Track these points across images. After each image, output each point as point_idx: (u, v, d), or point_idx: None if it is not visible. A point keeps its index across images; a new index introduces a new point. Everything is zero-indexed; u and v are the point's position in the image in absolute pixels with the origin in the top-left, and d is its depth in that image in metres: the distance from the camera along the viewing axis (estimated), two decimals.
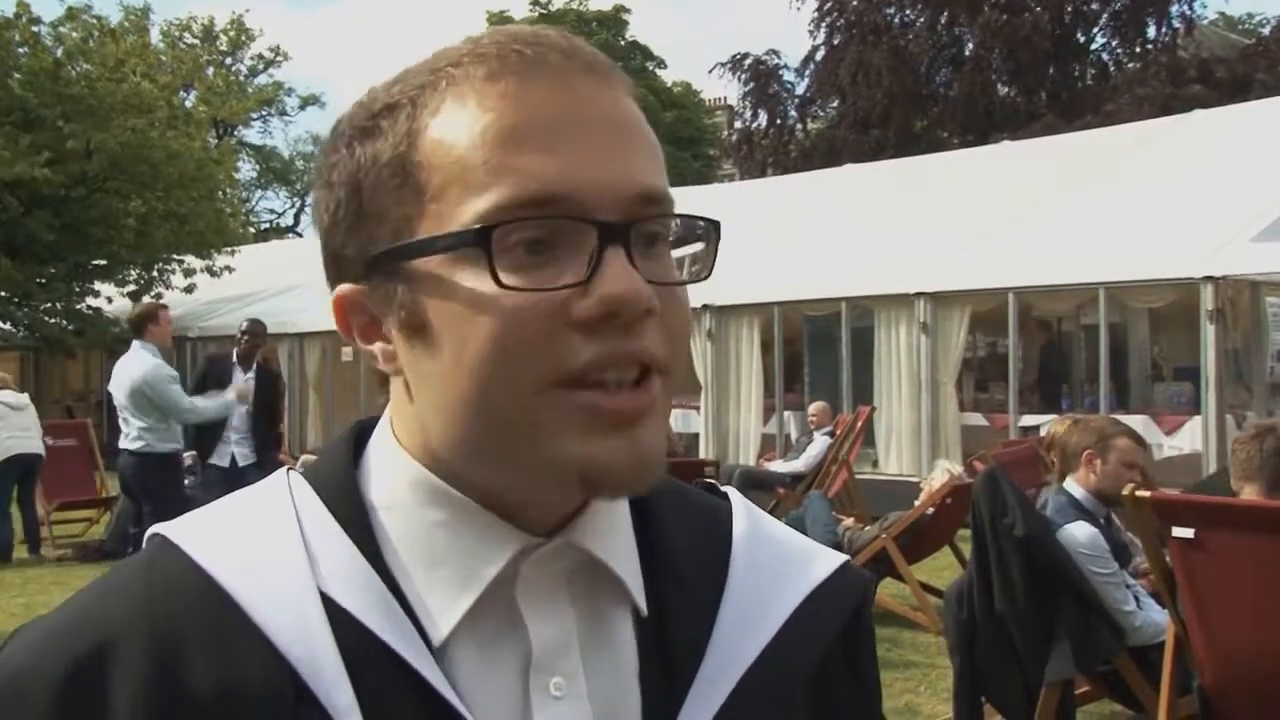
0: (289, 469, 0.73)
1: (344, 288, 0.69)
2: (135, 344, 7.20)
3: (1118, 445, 4.13)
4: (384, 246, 0.66)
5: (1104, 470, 4.13)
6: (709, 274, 0.70)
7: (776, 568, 0.77)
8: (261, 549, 0.67)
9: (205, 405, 7.23)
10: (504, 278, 0.62)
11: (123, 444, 7.19)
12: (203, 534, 0.68)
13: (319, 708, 0.62)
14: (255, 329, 7.85)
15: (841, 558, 0.80)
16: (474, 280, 0.63)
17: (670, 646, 0.71)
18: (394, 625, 0.65)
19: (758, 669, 0.71)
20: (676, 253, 0.69)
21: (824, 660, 0.75)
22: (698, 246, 0.71)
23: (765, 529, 0.80)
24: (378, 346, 0.69)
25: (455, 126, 0.64)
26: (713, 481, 0.85)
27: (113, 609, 0.65)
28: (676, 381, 0.67)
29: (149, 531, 0.70)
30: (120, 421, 7.21)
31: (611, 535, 0.71)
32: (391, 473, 0.70)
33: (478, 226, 0.62)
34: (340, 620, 0.64)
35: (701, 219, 0.69)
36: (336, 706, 0.62)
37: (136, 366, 7.09)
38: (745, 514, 0.80)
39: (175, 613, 0.64)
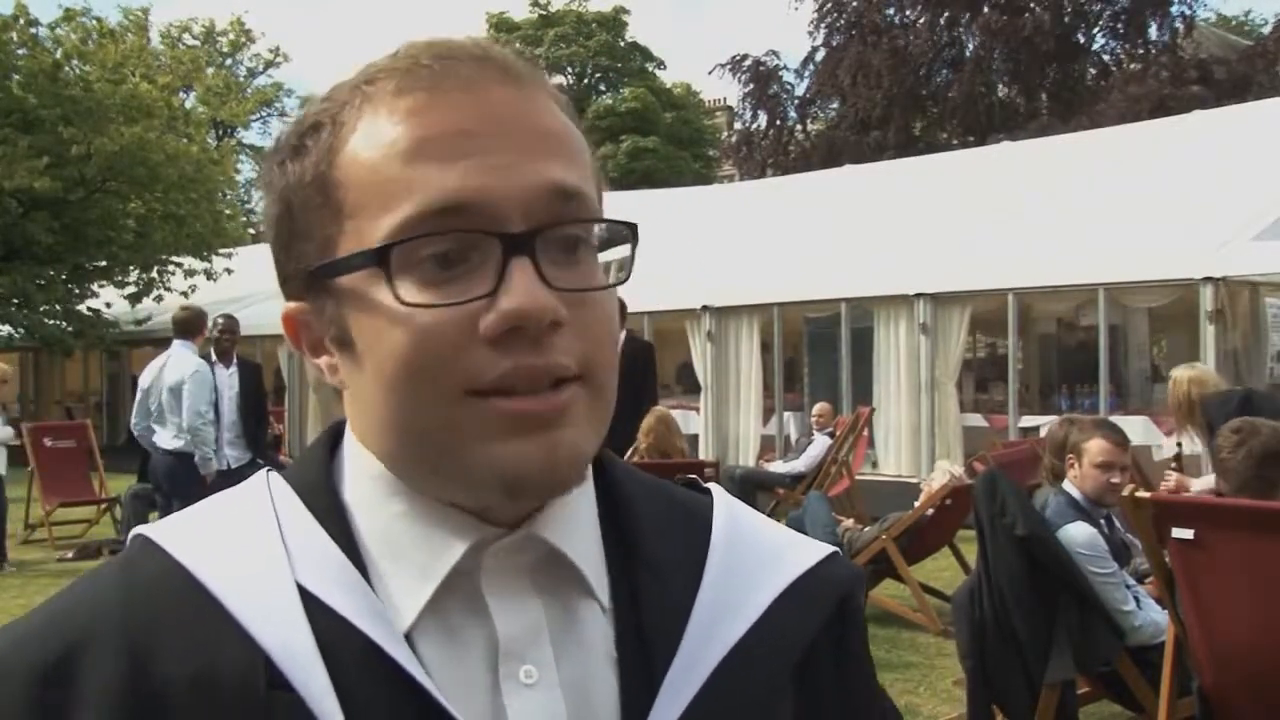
0: (268, 470, 0.75)
1: (290, 305, 0.71)
2: (180, 344, 7.19)
3: (1088, 448, 4.12)
4: (312, 265, 0.68)
5: (1081, 473, 4.13)
6: (628, 277, 0.71)
7: (757, 559, 0.77)
8: (240, 545, 0.69)
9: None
10: (407, 294, 0.63)
11: (159, 441, 7.11)
12: (183, 533, 0.70)
13: (295, 694, 0.63)
14: (231, 324, 7.81)
15: (828, 548, 0.80)
16: (385, 297, 0.64)
17: (645, 635, 0.71)
18: (367, 613, 0.66)
19: (735, 658, 0.72)
20: (603, 256, 0.70)
21: (810, 650, 0.75)
22: (623, 250, 0.71)
23: (747, 522, 0.80)
24: (323, 360, 0.70)
25: (367, 143, 0.65)
26: (694, 477, 0.85)
27: (89, 607, 0.67)
28: (604, 383, 0.67)
29: (132, 533, 0.72)
30: (152, 420, 7.14)
31: (574, 528, 0.72)
32: (357, 469, 0.71)
33: (378, 246, 0.63)
34: (316, 610, 0.66)
35: (620, 222, 0.70)
36: (312, 691, 0.63)
37: (186, 364, 7.11)
38: (726, 508, 0.80)
39: (151, 608, 0.65)
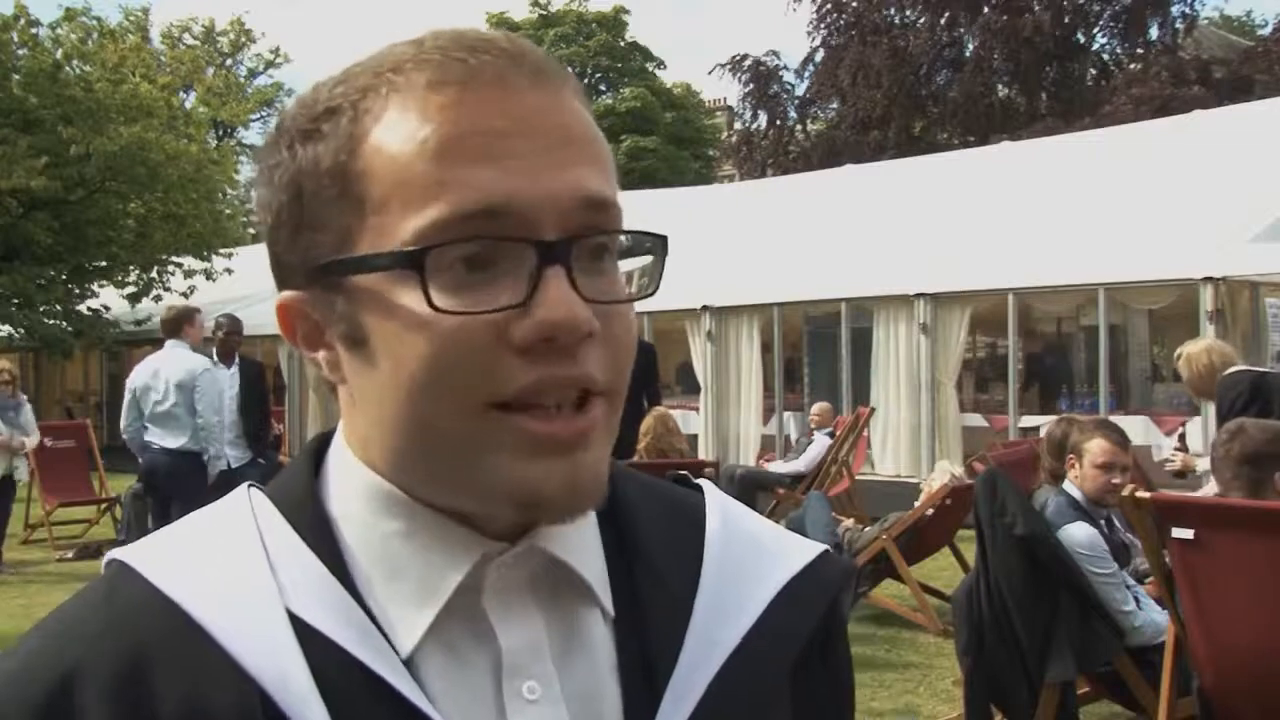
0: (250, 485, 0.72)
1: (287, 294, 0.68)
2: (174, 343, 7.16)
3: (1089, 448, 4.13)
4: (325, 258, 0.65)
5: (1082, 473, 4.13)
6: (655, 289, 0.68)
7: (752, 559, 0.76)
8: (225, 571, 0.66)
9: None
10: (439, 300, 0.60)
11: (160, 441, 7.08)
12: (164, 558, 0.67)
13: None
14: (236, 325, 7.83)
15: (819, 547, 0.79)
16: (411, 300, 0.61)
17: (647, 643, 0.70)
18: (363, 639, 0.64)
19: (735, 661, 0.71)
20: (624, 265, 0.68)
21: (805, 649, 0.75)
22: (645, 260, 0.69)
23: (739, 521, 0.79)
24: (322, 354, 0.68)
25: (396, 137, 0.63)
26: (685, 474, 0.84)
27: (74, 644, 0.64)
28: (622, 396, 0.66)
29: (106, 557, 0.69)
30: (148, 419, 7.10)
31: (577, 537, 0.70)
32: (347, 483, 0.69)
33: (413, 249, 0.61)
34: (309, 638, 0.63)
35: (649, 234, 0.68)
36: None
37: (190, 363, 7.09)
38: (719, 507, 0.79)
39: (139, 643, 0.63)
